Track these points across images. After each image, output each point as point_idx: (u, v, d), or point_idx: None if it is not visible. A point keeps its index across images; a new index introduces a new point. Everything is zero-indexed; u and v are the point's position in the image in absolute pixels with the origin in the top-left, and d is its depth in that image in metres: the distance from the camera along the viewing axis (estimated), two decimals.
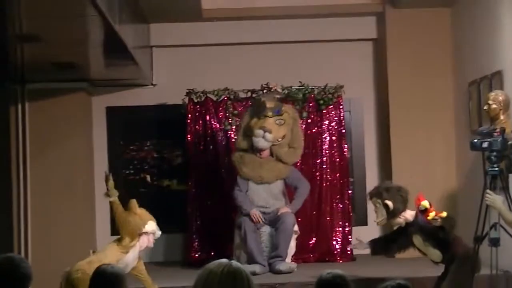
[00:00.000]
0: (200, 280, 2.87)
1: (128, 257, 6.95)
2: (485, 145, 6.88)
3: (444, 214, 7.09)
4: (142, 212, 7.19)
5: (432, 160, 10.01)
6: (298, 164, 9.57)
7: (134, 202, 7.17)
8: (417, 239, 7.21)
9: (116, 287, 4.45)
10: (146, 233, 7.05)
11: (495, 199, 6.47)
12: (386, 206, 7.22)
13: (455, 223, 7.14)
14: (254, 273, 7.87)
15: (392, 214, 7.23)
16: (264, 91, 9.36)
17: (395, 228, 7.50)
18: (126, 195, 10.45)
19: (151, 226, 7.12)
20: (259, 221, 8.81)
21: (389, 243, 7.59)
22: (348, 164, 10.10)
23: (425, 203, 7.12)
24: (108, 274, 4.48)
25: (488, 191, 6.65)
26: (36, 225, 9.82)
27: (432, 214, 7.10)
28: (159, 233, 7.22)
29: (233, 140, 9.72)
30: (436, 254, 7.21)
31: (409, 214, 7.22)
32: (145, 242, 7.08)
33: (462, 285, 6.83)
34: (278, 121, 9.04)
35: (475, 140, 7.16)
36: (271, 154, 9.09)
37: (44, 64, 8.75)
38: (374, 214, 7.50)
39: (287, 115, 9.16)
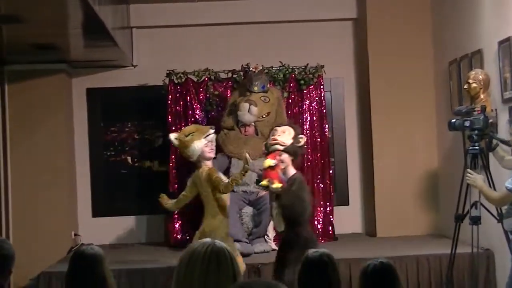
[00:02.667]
0: (184, 260, 2.87)
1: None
2: (467, 124, 6.91)
3: (277, 186, 6.53)
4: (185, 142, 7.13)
5: (413, 139, 10.05)
6: None
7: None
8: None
9: (95, 268, 4.42)
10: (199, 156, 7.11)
11: (476, 178, 6.52)
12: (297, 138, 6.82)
13: (299, 207, 6.49)
14: None
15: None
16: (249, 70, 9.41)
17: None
18: (107, 177, 10.56)
19: (195, 147, 7.07)
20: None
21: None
22: (329, 144, 10.11)
23: (270, 162, 6.61)
24: (87, 256, 4.45)
25: (468, 170, 6.69)
26: (17, 207, 9.77)
27: (265, 181, 6.60)
28: (211, 132, 7.20)
29: (214, 120, 9.74)
30: (281, 224, 6.69)
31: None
32: (206, 154, 7.15)
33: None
34: (263, 98, 9.10)
35: (453, 120, 7.19)
36: (256, 133, 9.11)
37: (23, 46, 8.68)
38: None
39: (272, 95, 9.21)
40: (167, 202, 7.62)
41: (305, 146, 7.00)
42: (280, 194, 6.59)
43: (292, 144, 6.70)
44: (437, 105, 9.94)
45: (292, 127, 6.91)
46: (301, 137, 6.82)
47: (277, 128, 6.97)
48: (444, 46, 9.64)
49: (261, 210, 8.77)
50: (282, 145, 6.68)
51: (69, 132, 10.27)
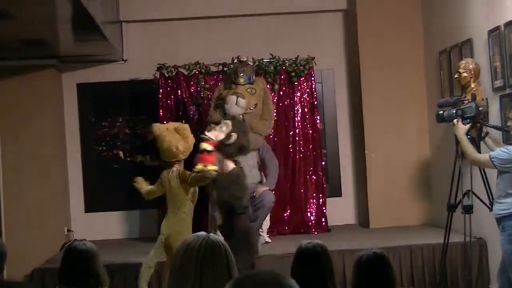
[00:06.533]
0: (179, 253, 2.86)
1: None
2: (459, 113, 6.92)
3: (213, 168, 6.60)
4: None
5: (405, 129, 10.06)
6: (271, 136, 9.57)
7: None
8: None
9: (88, 264, 4.40)
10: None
11: (459, 128, 6.69)
12: (229, 135, 6.83)
13: (236, 191, 6.70)
14: None
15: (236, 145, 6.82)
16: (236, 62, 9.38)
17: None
18: (99, 172, 10.54)
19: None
20: None
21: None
22: (320, 136, 10.12)
23: (206, 146, 6.68)
24: (80, 251, 4.43)
25: (454, 121, 6.82)
26: (9, 204, 9.74)
27: (200, 165, 6.64)
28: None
29: (205, 113, 9.73)
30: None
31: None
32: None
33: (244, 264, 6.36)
34: (249, 90, 9.03)
35: (441, 112, 7.19)
36: None
37: (12, 42, 8.64)
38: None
39: (258, 86, 9.15)
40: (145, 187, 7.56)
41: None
42: (216, 178, 6.72)
43: (221, 141, 6.78)
44: (428, 95, 9.94)
45: (234, 122, 6.97)
46: (232, 135, 6.86)
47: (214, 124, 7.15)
48: (434, 36, 9.64)
49: (258, 206, 8.74)
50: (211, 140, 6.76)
51: (60, 127, 10.25)
